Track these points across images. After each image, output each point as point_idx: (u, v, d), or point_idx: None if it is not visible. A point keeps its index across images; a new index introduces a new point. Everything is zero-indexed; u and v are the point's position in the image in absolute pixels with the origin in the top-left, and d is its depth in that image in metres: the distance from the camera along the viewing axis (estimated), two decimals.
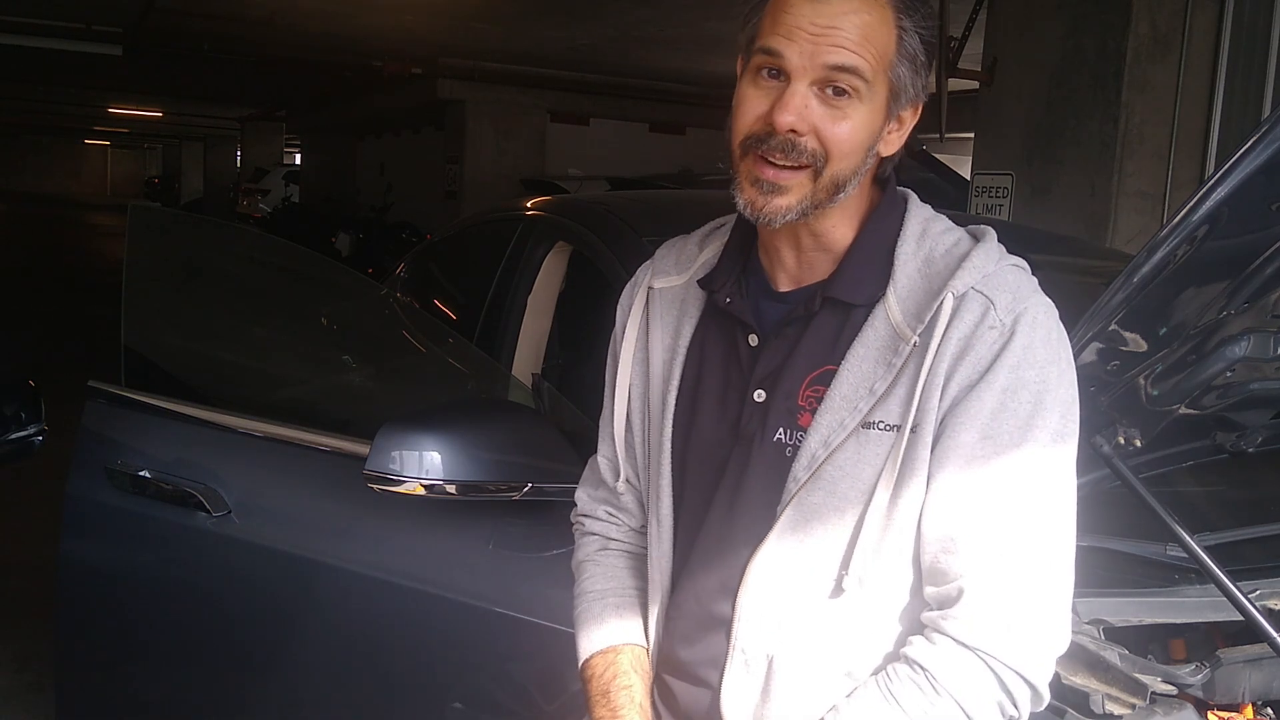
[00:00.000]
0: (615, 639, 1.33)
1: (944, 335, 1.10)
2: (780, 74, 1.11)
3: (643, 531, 1.38)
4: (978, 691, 1.09)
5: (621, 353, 1.35)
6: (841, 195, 1.14)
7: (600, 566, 1.40)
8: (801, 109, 1.10)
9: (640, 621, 1.33)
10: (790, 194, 1.12)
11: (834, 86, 1.10)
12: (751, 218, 1.15)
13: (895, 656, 1.15)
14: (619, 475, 1.37)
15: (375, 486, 1.79)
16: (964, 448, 1.09)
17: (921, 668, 1.10)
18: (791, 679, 1.17)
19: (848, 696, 1.15)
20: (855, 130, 1.12)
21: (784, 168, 1.11)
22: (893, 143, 1.18)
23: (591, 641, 1.34)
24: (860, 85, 1.10)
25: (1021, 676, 1.09)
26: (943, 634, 1.11)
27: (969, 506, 1.10)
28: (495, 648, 1.93)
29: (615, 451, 1.37)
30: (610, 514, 1.42)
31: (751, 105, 1.13)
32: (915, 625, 1.16)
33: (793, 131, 1.10)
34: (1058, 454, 1.11)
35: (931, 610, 1.13)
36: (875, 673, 1.15)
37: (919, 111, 1.20)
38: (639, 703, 1.28)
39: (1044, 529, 1.11)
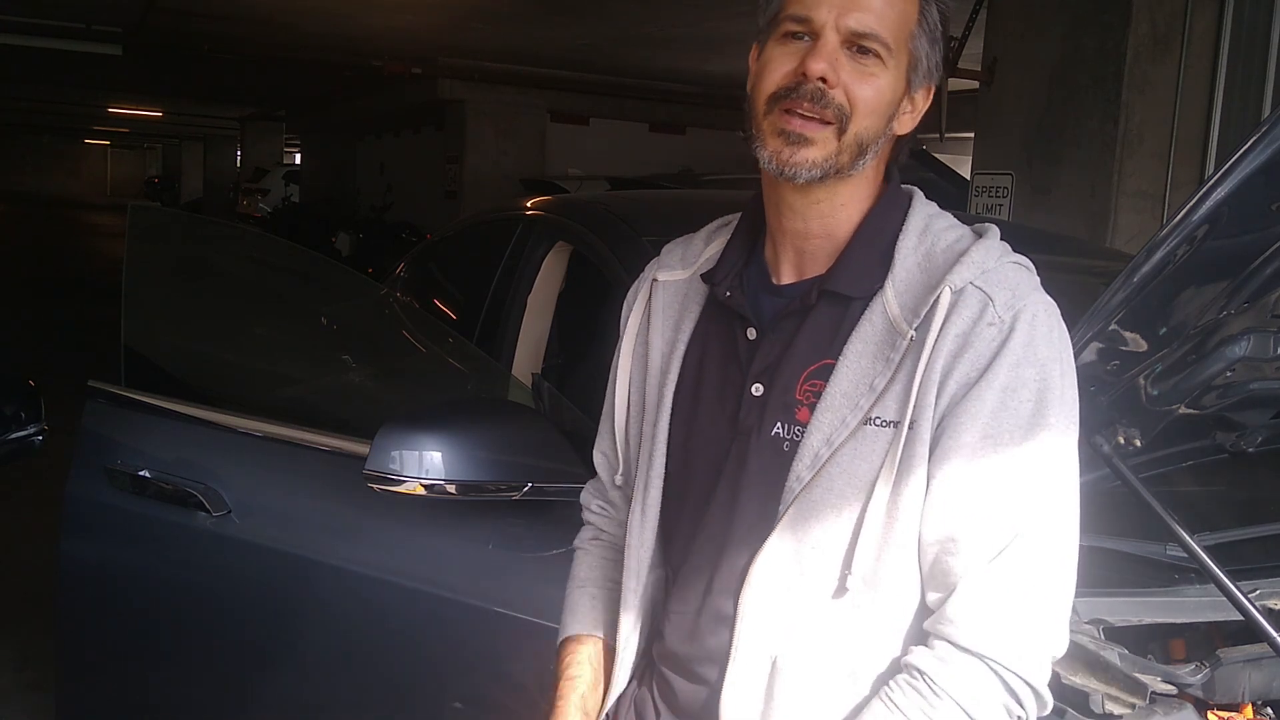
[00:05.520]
0: (583, 629, 1.38)
1: (941, 330, 1.10)
2: (806, 36, 1.13)
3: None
4: (980, 694, 1.09)
5: (623, 346, 1.35)
6: (862, 163, 1.15)
7: (589, 555, 1.43)
8: (833, 59, 1.12)
9: (612, 615, 1.36)
10: (816, 147, 1.13)
11: (859, 46, 1.12)
12: (776, 171, 1.15)
13: (900, 658, 1.15)
14: (612, 470, 1.39)
15: (375, 486, 1.79)
16: (965, 448, 1.09)
17: (920, 672, 1.10)
18: (795, 681, 1.16)
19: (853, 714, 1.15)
20: (880, 91, 1.14)
21: (810, 119, 1.12)
22: (906, 123, 1.19)
23: (565, 627, 1.40)
24: (883, 49, 1.13)
25: (1024, 679, 1.09)
26: (942, 639, 1.10)
27: (970, 507, 1.09)
28: (495, 648, 1.93)
29: (612, 447, 1.38)
30: (602, 507, 1.44)
31: (780, 63, 1.14)
32: (920, 624, 1.15)
33: (823, 80, 1.11)
34: (1060, 453, 1.10)
35: (933, 615, 1.13)
36: (880, 679, 1.15)
37: (930, 97, 1.21)
38: (581, 694, 1.33)
39: (1046, 529, 1.10)
